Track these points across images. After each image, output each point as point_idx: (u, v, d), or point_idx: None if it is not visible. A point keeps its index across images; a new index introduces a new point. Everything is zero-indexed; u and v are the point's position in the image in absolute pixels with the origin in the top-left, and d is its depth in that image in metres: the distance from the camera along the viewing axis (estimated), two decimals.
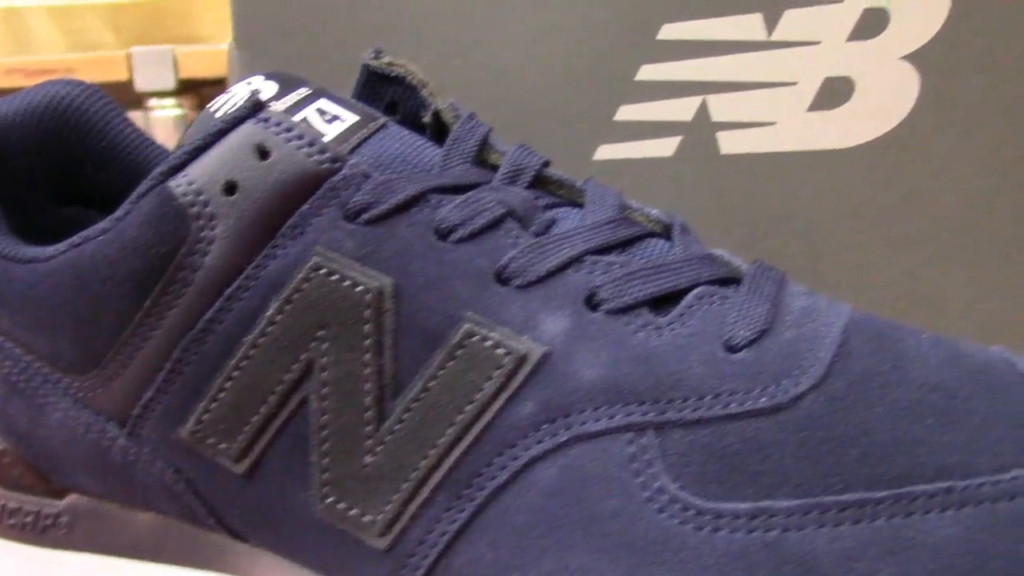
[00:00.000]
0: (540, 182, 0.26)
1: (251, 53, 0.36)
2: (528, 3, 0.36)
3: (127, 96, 0.78)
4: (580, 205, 0.25)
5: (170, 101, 0.79)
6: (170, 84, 0.78)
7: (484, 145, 0.26)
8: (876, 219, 0.36)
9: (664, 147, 0.37)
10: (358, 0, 0.36)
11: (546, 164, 0.26)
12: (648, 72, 0.36)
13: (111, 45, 0.82)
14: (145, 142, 0.31)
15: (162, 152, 0.31)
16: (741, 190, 0.37)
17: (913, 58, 0.36)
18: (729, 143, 0.36)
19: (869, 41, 0.36)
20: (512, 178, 0.25)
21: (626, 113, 0.37)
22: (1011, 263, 0.36)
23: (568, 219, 0.25)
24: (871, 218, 0.36)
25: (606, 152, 0.37)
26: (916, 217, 0.36)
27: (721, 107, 0.36)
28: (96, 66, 0.74)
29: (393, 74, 0.27)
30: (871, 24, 0.36)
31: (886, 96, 0.36)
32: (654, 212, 0.26)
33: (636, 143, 0.37)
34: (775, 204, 0.37)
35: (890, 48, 0.36)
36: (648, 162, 0.37)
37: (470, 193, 0.24)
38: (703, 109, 0.36)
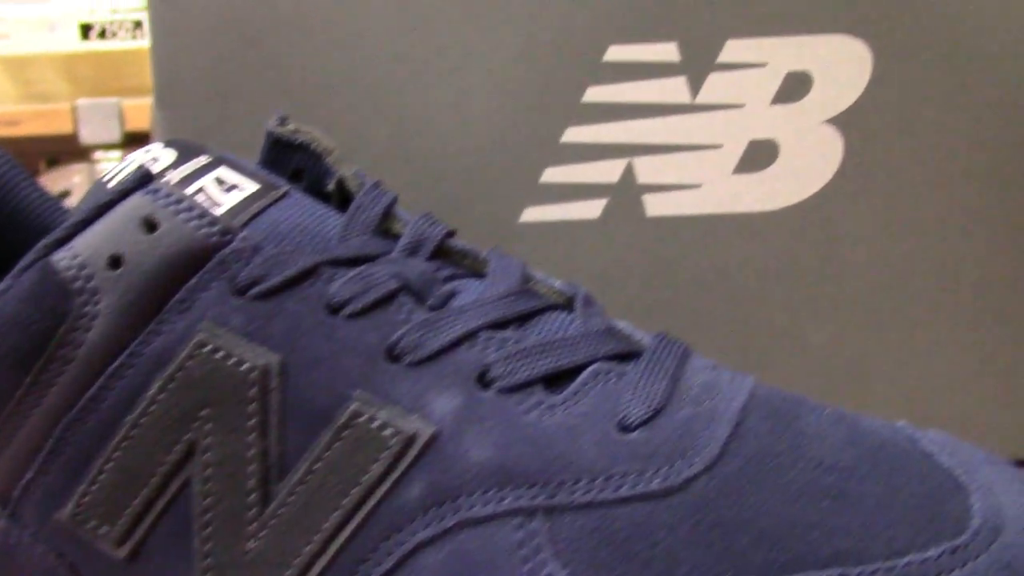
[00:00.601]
0: (442, 252, 0.25)
1: (172, 113, 0.36)
2: (452, 65, 0.35)
3: (74, 148, 0.77)
4: (483, 276, 0.25)
5: (116, 154, 0.79)
6: (116, 137, 0.77)
7: (388, 214, 0.25)
8: (801, 282, 0.36)
9: (590, 209, 0.36)
10: (279, 61, 0.35)
11: (450, 234, 0.26)
12: (574, 134, 0.36)
13: (63, 96, 0.82)
14: (52, 206, 0.31)
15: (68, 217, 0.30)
16: (667, 252, 0.36)
17: (836, 121, 0.36)
18: (655, 205, 0.36)
19: (792, 104, 0.36)
20: (412, 249, 0.25)
21: (552, 175, 0.36)
22: (936, 326, 0.36)
23: (468, 292, 0.24)
24: (796, 281, 0.36)
25: (532, 214, 0.36)
26: (841, 280, 0.36)
27: (647, 169, 0.36)
28: (42, 118, 0.73)
29: (298, 141, 0.27)
30: (794, 88, 0.36)
31: (810, 159, 0.36)
32: (557, 284, 0.25)
33: (562, 205, 0.36)
34: (701, 266, 0.36)
35: (813, 111, 0.36)
36: (574, 224, 0.36)
37: (364, 266, 0.23)
38: (629, 171, 0.36)
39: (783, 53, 0.35)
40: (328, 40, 0.35)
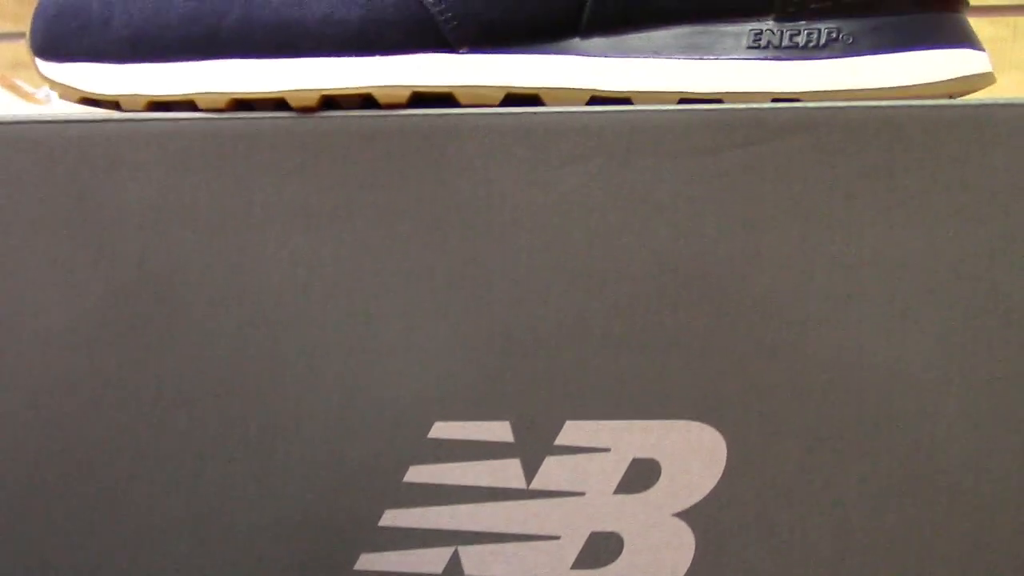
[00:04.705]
0: None
1: None
2: (258, 431, 0.32)
3: None
4: None
5: None
6: None
7: None
8: None
9: None
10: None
11: None
12: (393, 518, 0.32)
13: None
14: None
15: None
16: None
17: (687, 515, 0.32)
18: None
19: (638, 495, 0.32)
20: None
21: (367, 562, 0.32)
22: None
23: None
24: None
25: None
26: None
27: (474, 560, 0.32)
28: None
29: None
30: (640, 476, 0.32)
31: (658, 555, 0.32)
32: None
33: None
34: None
35: (661, 503, 0.32)
36: None
37: None
38: (455, 562, 0.32)
39: (628, 438, 0.32)
40: None
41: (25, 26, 1.03)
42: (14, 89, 0.71)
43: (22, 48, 0.93)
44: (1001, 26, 0.96)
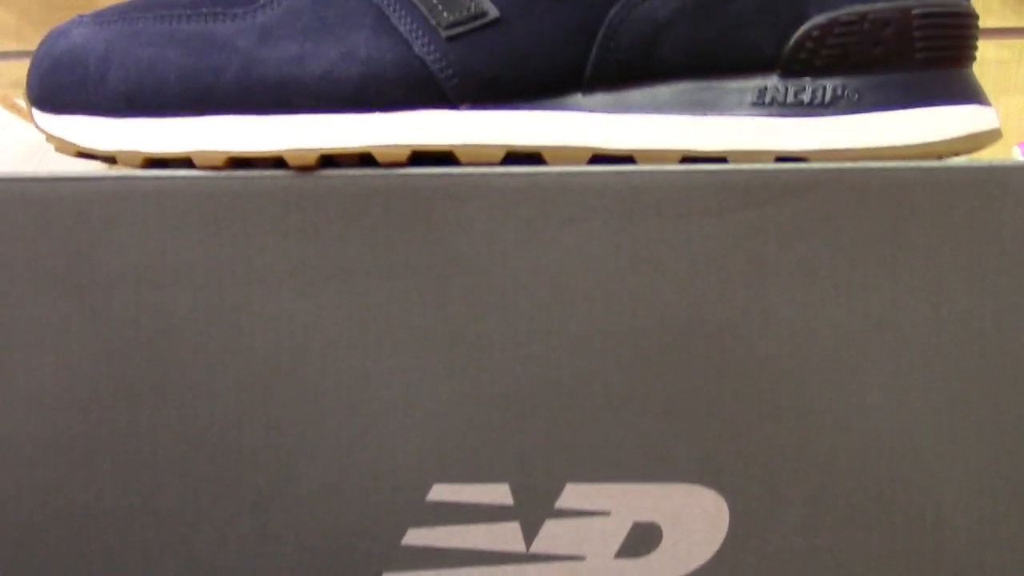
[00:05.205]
0: None
1: None
2: (251, 505, 0.31)
3: None
4: None
5: None
6: None
7: None
8: None
9: None
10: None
11: None
12: None
13: None
14: None
15: None
16: None
17: None
18: None
19: (639, 559, 0.32)
20: None
21: None
22: None
23: None
24: None
25: None
26: None
27: None
28: None
29: None
30: (641, 540, 0.32)
31: None
32: None
33: None
34: None
35: (663, 567, 0.32)
36: None
37: None
38: None
39: (629, 501, 0.31)
40: None
41: (28, 44, 1.03)
42: (15, 109, 0.71)
43: (24, 67, 0.93)
44: (1007, 48, 0.95)
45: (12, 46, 0.94)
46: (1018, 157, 0.89)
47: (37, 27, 0.99)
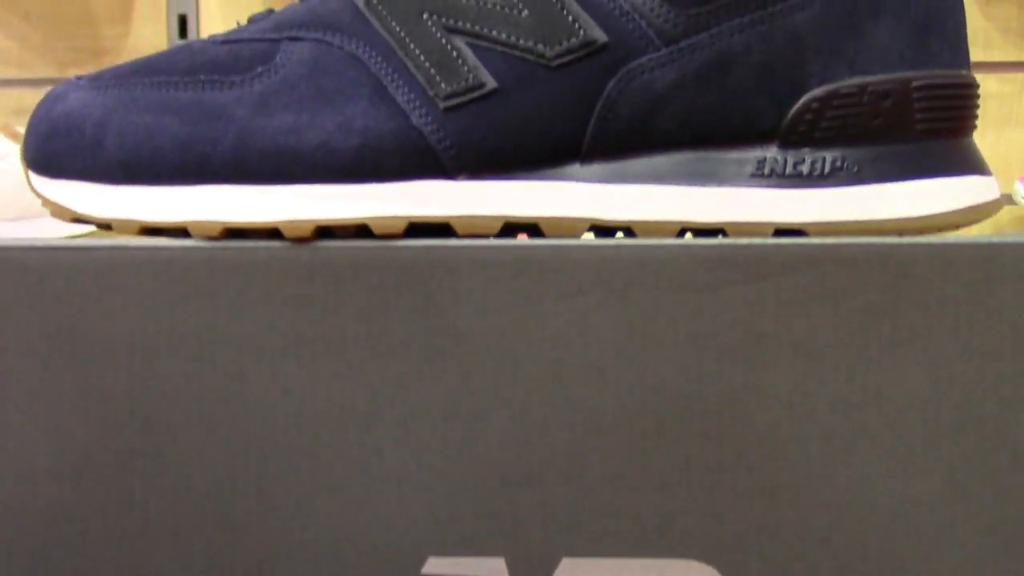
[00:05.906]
0: None
1: None
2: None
3: None
4: None
5: None
6: None
7: None
8: None
9: None
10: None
11: None
12: None
13: None
14: None
15: None
16: None
17: None
18: None
19: None
20: None
21: None
22: None
23: None
24: None
25: None
26: None
27: None
28: None
29: None
30: None
31: None
32: None
33: None
34: None
35: None
36: None
37: None
38: None
39: None
40: None
41: (30, 72, 1.03)
42: (16, 137, 0.70)
43: (26, 95, 0.93)
44: (1008, 83, 0.95)
45: (14, 73, 0.94)
46: (1020, 190, 0.89)
47: (39, 55, 1.00)
